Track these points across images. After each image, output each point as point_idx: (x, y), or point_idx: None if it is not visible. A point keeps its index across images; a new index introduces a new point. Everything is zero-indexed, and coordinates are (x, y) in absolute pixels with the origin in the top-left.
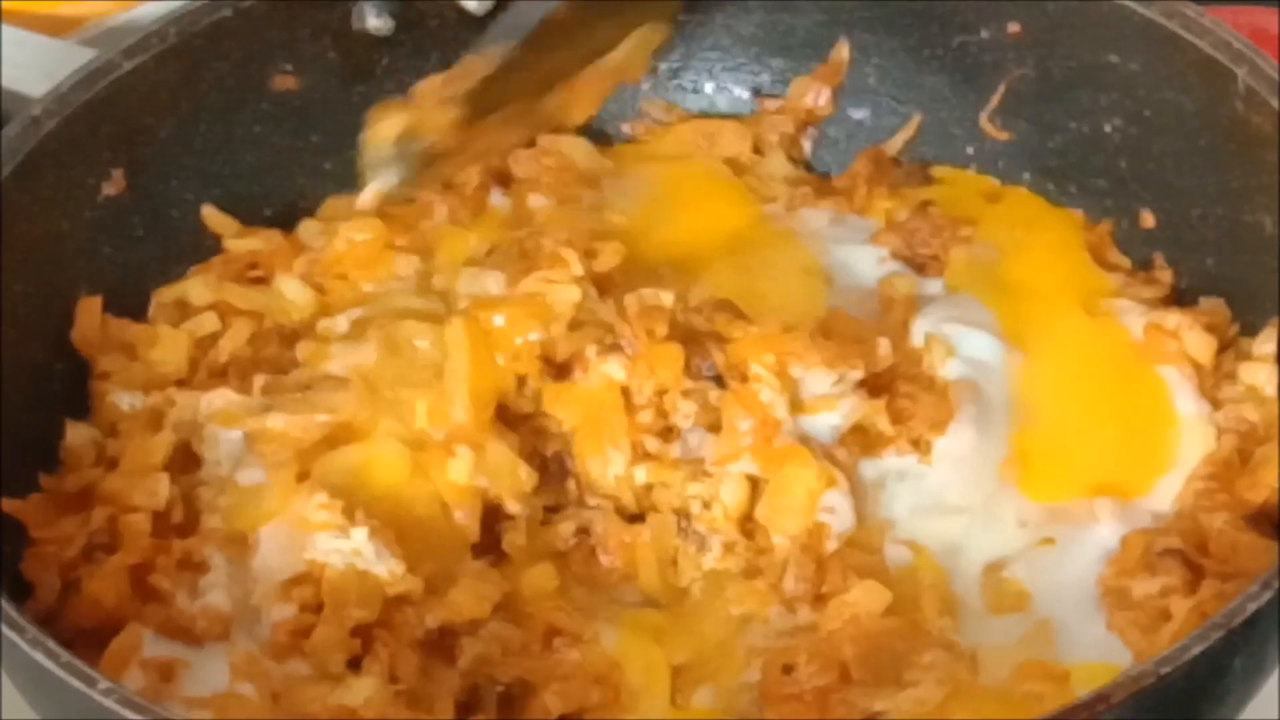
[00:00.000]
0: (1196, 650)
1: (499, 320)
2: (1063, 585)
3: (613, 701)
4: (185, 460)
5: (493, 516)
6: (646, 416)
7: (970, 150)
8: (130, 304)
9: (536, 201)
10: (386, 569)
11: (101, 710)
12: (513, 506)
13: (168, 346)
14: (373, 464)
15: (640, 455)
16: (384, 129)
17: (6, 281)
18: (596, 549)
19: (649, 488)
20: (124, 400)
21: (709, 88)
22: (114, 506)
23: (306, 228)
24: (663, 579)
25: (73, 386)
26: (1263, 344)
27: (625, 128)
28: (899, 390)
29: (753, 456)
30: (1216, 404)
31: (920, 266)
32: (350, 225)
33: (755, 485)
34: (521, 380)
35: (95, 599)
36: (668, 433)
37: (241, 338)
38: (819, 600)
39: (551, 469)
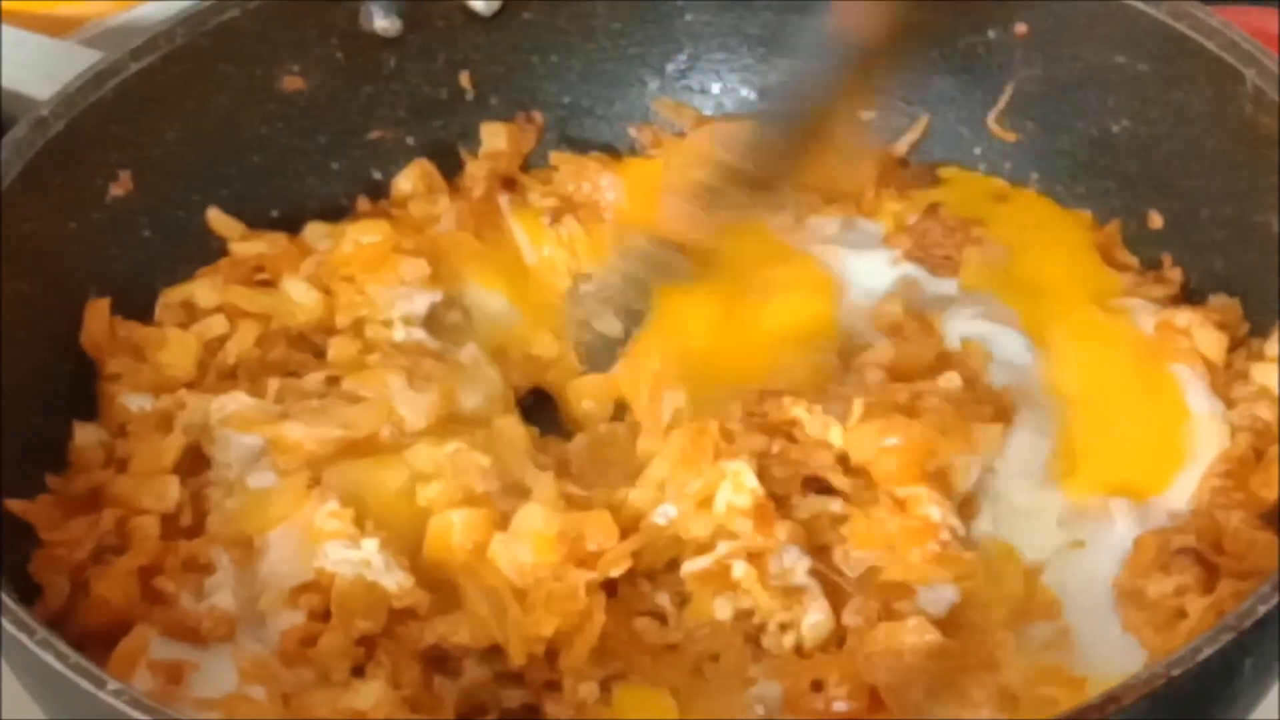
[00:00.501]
0: (1208, 652)
1: None
2: (1084, 587)
3: None
4: (193, 462)
5: None
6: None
7: (978, 151)
8: (137, 305)
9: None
10: (395, 581)
11: (111, 711)
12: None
13: (176, 349)
14: (384, 479)
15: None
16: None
17: (14, 283)
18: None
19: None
20: (133, 402)
21: (716, 88)
22: (123, 508)
23: (313, 230)
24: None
25: (80, 388)
26: (1274, 344)
27: (633, 131)
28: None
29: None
30: (1230, 403)
31: (934, 267)
32: (357, 227)
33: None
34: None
35: (104, 601)
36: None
37: (249, 340)
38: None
39: None
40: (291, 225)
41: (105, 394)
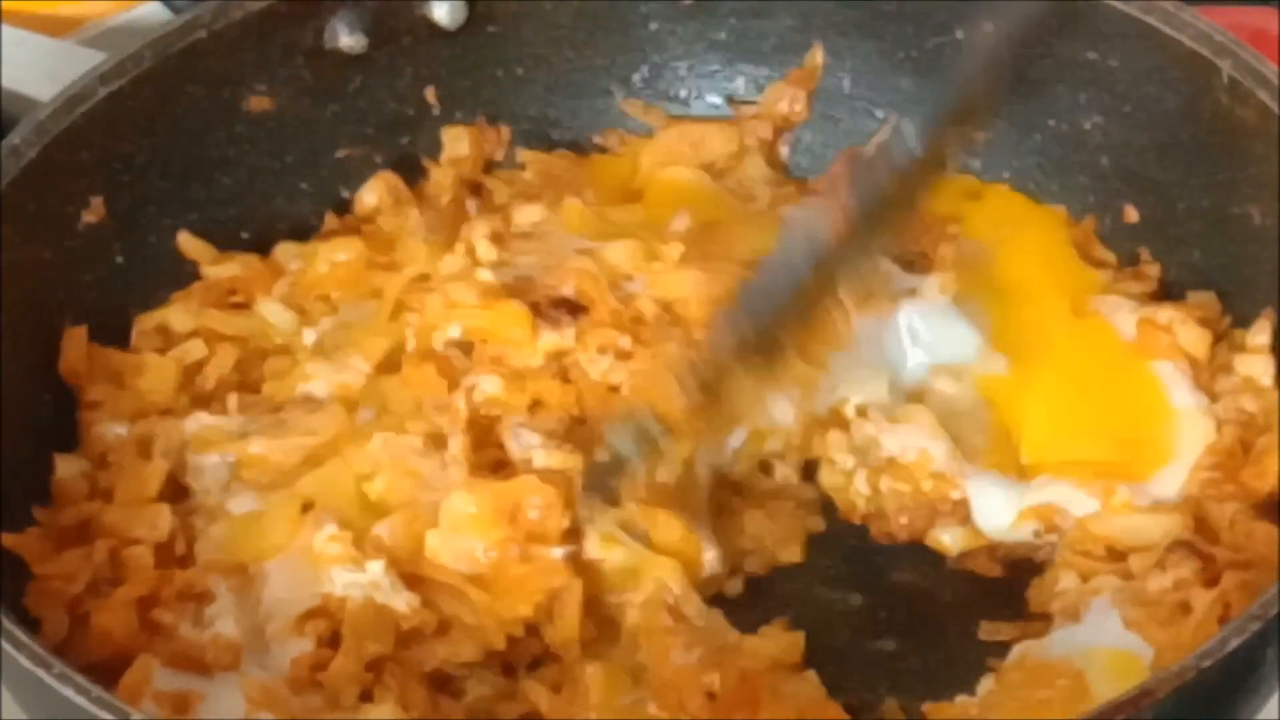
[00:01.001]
0: (1236, 643)
1: None
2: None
3: None
4: (175, 490)
5: None
6: None
7: None
8: (112, 331)
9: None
10: (404, 601)
11: None
12: None
13: (155, 375)
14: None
15: None
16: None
17: None
18: None
19: None
20: (111, 430)
21: (683, 94)
22: (115, 539)
23: (284, 250)
24: None
25: (60, 418)
26: (1256, 335)
27: (598, 139)
28: None
29: None
30: (1214, 396)
31: (909, 263)
32: (330, 246)
33: None
34: None
35: (105, 632)
36: None
37: (228, 363)
38: None
39: None
40: (261, 246)
41: (85, 422)
